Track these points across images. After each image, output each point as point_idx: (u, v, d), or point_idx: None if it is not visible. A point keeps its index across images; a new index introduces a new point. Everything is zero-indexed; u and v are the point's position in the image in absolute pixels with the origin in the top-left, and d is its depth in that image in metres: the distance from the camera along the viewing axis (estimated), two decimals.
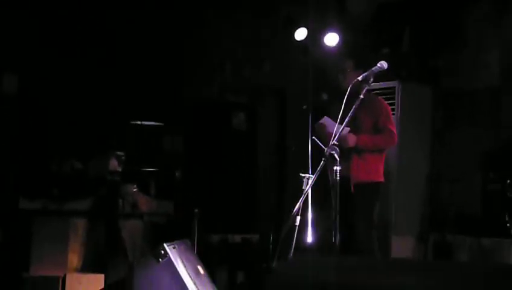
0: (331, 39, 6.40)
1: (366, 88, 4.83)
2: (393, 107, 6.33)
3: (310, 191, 4.95)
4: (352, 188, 5.40)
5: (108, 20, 7.12)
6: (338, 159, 4.53)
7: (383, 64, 4.83)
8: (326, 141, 4.95)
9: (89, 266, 6.12)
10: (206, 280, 5.53)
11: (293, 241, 5.06)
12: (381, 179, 5.56)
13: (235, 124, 7.23)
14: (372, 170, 5.49)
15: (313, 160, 5.38)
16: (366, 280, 3.85)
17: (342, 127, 4.76)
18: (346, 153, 5.30)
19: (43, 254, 5.99)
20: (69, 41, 6.98)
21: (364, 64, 5.25)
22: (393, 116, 5.91)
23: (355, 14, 6.96)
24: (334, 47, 6.39)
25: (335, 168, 4.55)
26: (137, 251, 6.14)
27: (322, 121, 5.45)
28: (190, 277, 5.25)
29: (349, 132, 5.35)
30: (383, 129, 5.50)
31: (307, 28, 6.49)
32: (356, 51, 6.33)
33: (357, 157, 5.45)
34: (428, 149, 6.77)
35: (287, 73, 7.27)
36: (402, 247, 6.44)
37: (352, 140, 5.37)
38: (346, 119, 4.72)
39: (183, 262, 5.27)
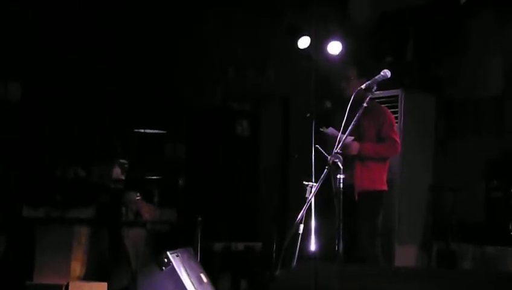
0: (334, 47, 6.40)
1: (369, 96, 4.84)
2: (396, 115, 6.33)
3: (313, 199, 4.94)
4: (356, 196, 5.40)
5: (113, 27, 7.13)
6: (341, 167, 4.54)
7: (386, 72, 4.83)
8: (330, 149, 4.95)
9: (92, 274, 6.11)
10: (209, 288, 5.53)
11: (296, 249, 5.05)
12: (385, 188, 5.56)
13: (238, 131, 7.24)
14: (376, 178, 5.49)
15: (316, 168, 5.37)
16: (370, 288, 3.84)
17: (346, 135, 4.76)
18: (350, 161, 5.30)
19: (46, 262, 5.98)
20: (72, 48, 6.99)
21: (368, 72, 5.25)
22: (396, 124, 5.91)
23: (359, 22, 6.97)
24: (337, 55, 6.39)
25: (338, 176, 4.55)
26: (140, 259, 6.14)
27: (326, 131, 5.45)
28: (193, 285, 5.25)
29: (353, 140, 5.35)
30: (386, 138, 5.51)
31: (310, 36, 6.50)
32: (359, 59, 6.33)
33: (360, 166, 5.45)
34: (432, 157, 6.76)
35: (291, 81, 7.28)
36: (406, 255, 6.43)
37: (355, 148, 5.37)
38: (350, 128, 4.72)
39: (186, 270, 5.27)
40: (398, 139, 5.54)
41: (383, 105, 5.93)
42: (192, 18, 7.37)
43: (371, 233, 5.44)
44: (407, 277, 3.97)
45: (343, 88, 5.56)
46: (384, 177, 5.54)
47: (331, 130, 5.39)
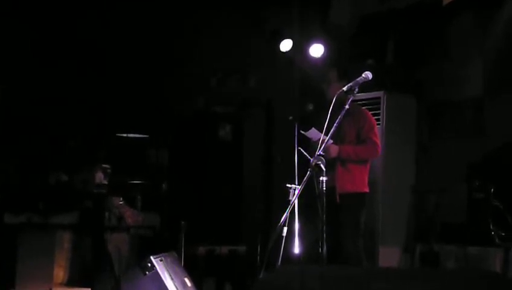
0: (316, 50, 6.43)
1: (351, 98, 4.86)
2: (378, 117, 6.36)
3: (296, 201, 4.95)
4: (337, 198, 5.41)
5: (97, 34, 7.11)
6: (324, 169, 4.55)
7: (368, 74, 4.86)
8: (313, 151, 4.96)
9: (75, 280, 6.08)
10: None
11: (280, 252, 5.06)
12: (367, 190, 5.58)
13: (221, 135, 7.24)
14: (357, 180, 5.51)
15: (299, 171, 5.38)
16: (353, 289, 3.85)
17: (328, 138, 4.78)
18: (332, 163, 5.31)
19: (29, 268, 5.94)
20: (55, 53, 6.96)
21: (349, 74, 5.27)
22: (378, 126, 5.93)
23: (340, 25, 7.00)
24: (319, 58, 6.42)
25: (321, 178, 4.57)
26: (123, 264, 6.11)
27: (307, 133, 5.46)
28: (177, 289, 5.23)
29: (335, 142, 5.36)
30: (366, 140, 5.53)
31: (292, 40, 6.52)
32: (341, 62, 6.36)
33: (341, 168, 5.47)
34: (414, 159, 6.79)
35: (273, 84, 7.29)
36: (389, 257, 6.45)
37: (334, 151, 5.38)
38: (332, 130, 4.74)
39: (170, 275, 5.26)
40: (378, 141, 5.56)
41: (364, 107, 5.96)
42: (174, 25, 7.37)
43: (354, 235, 5.47)
44: (389, 277, 3.99)
45: (325, 90, 5.58)
46: (366, 179, 5.56)
47: (313, 132, 5.39)
